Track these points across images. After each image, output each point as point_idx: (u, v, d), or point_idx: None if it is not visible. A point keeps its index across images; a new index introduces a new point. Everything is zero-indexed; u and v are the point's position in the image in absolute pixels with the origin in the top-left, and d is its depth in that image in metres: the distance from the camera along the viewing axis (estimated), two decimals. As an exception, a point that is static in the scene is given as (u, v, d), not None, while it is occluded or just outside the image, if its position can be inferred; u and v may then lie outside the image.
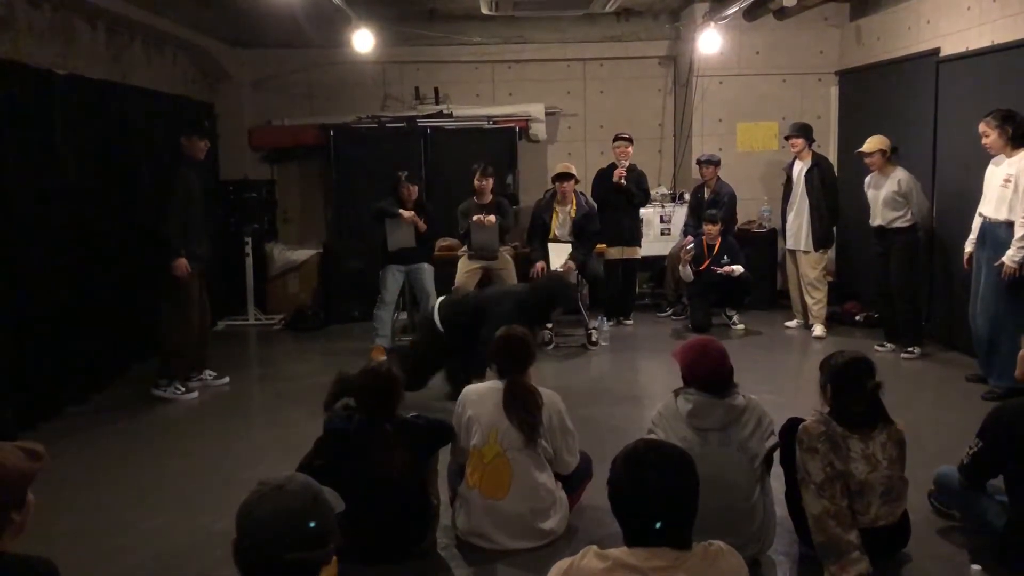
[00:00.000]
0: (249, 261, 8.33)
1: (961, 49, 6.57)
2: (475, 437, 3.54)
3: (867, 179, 6.69)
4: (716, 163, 8.01)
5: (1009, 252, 5.29)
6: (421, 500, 3.43)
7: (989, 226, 5.54)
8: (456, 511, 3.63)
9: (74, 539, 3.73)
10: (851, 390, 3.28)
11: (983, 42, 6.29)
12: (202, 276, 6.11)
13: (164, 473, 4.63)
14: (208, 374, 6.31)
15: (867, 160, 6.56)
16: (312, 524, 1.68)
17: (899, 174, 6.45)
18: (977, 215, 5.72)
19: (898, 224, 6.47)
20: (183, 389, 5.98)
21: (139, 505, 4.17)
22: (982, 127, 5.49)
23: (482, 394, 3.64)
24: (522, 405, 3.54)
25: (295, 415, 5.38)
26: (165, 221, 5.77)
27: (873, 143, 6.54)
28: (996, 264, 5.38)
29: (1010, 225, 5.32)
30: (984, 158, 5.70)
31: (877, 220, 6.61)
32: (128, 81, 6.86)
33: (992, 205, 5.50)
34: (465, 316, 5.67)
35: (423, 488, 3.44)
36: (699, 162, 8.10)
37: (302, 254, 8.76)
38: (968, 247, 5.82)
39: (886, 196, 6.47)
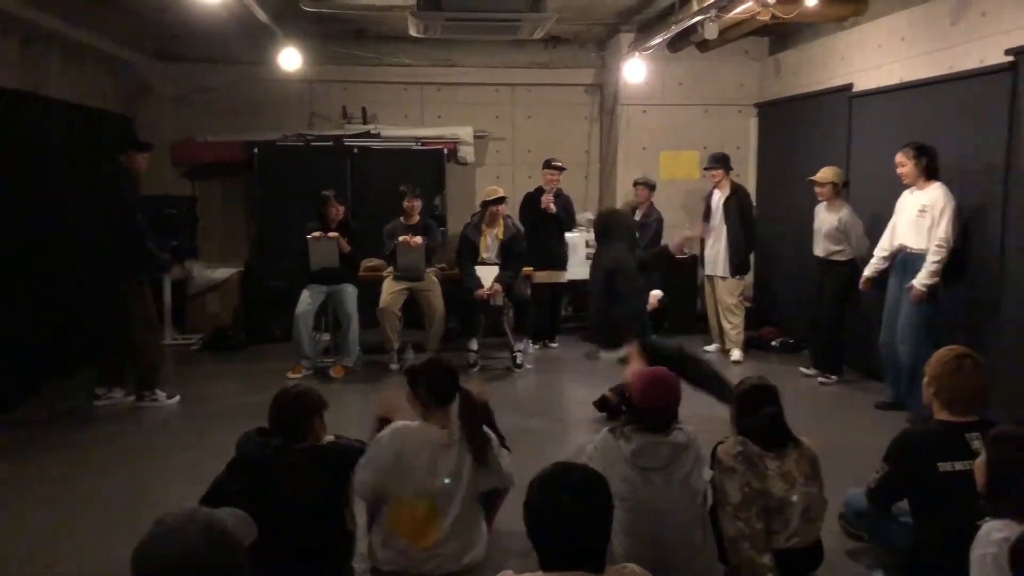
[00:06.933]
0: (167, 279, 8.12)
1: (872, 85, 6.85)
2: (405, 488, 3.40)
3: (818, 207, 6.80)
4: (652, 186, 8.11)
5: (920, 275, 5.51)
6: (337, 527, 3.34)
7: (909, 257, 5.72)
8: (375, 541, 3.51)
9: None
10: (750, 414, 3.38)
11: (892, 79, 6.57)
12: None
13: (63, 498, 4.45)
14: (117, 391, 6.21)
15: (818, 190, 6.69)
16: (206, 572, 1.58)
17: (843, 211, 6.58)
18: (881, 242, 5.94)
19: (836, 257, 6.62)
20: (165, 394, 6.17)
21: (34, 533, 4.01)
22: (899, 158, 5.71)
23: (421, 444, 3.44)
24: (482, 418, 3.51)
25: (211, 438, 5.22)
26: (138, 237, 5.88)
27: (827, 174, 6.64)
28: (907, 287, 5.59)
29: None
30: (893, 188, 5.94)
31: (818, 250, 6.77)
32: (42, 92, 6.65)
33: (911, 236, 5.69)
34: None
35: (339, 514, 3.36)
36: (635, 183, 8.19)
37: (223, 272, 8.59)
38: (867, 271, 6.05)
39: (828, 229, 6.61)
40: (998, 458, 2.62)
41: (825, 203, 6.72)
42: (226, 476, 3.26)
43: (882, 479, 3.41)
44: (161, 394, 6.18)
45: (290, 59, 7.67)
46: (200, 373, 7.40)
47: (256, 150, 8.55)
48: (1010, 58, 5.22)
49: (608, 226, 5.91)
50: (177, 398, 6.23)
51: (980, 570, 2.47)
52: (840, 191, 6.71)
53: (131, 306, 5.93)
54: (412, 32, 6.73)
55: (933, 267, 5.48)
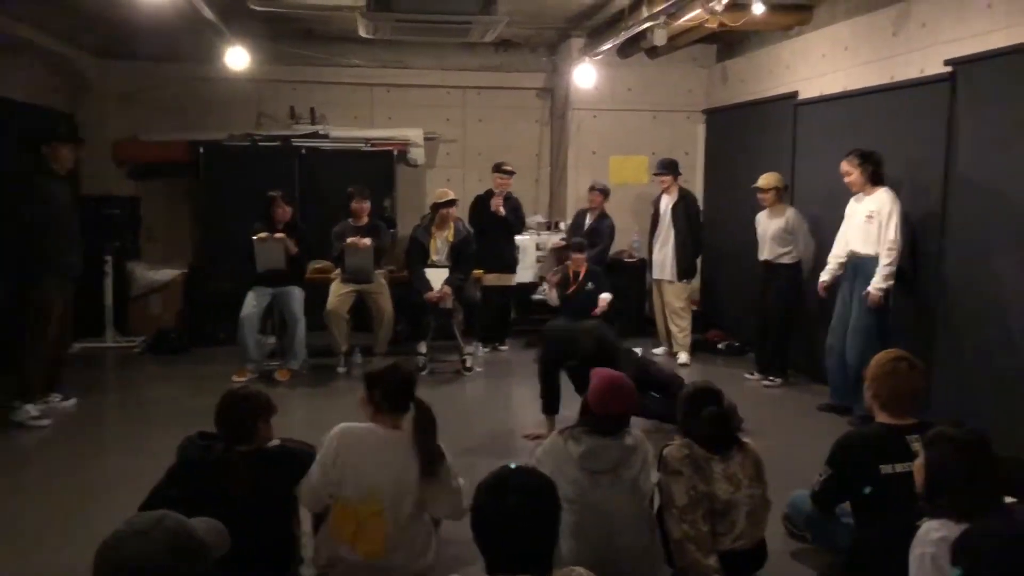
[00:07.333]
0: (109, 280, 7.95)
1: (816, 93, 6.98)
2: (348, 489, 3.26)
3: (759, 215, 6.91)
4: (606, 192, 8.16)
5: (875, 280, 5.61)
6: (282, 531, 3.27)
7: (860, 262, 5.82)
8: (320, 547, 3.39)
9: None
10: (695, 417, 3.41)
11: (836, 88, 6.70)
12: (67, 291, 5.88)
13: (1, 502, 4.31)
14: (54, 396, 5.95)
15: (760, 196, 6.79)
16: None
17: (788, 213, 6.70)
18: (835, 248, 6.04)
19: (783, 260, 6.73)
20: (37, 414, 5.65)
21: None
22: (844, 166, 5.82)
23: (365, 442, 3.31)
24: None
25: (152, 442, 5.10)
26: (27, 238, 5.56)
27: (769, 180, 6.76)
28: (863, 294, 5.69)
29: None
30: (836, 194, 6.05)
31: (764, 255, 6.86)
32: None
33: (860, 241, 5.80)
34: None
35: (285, 519, 3.29)
36: (591, 188, 8.21)
37: (166, 274, 8.42)
38: (824, 276, 6.13)
39: (774, 232, 6.72)
40: (935, 459, 2.67)
41: (767, 209, 6.83)
42: (166, 481, 3.17)
43: (825, 482, 3.47)
44: (30, 410, 5.65)
45: (237, 58, 7.54)
46: (142, 376, 7.26)
47: (202, 150, 8.40)
48: (949, 68, 5.36)
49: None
50: (47, 421, 5.65)
51: (919, 569, 2.52)
52: (783, 195, 6.82)
53: (26, 310, 5.65)
54: (362, 33, 6.68)
55: (886, 270, 5.59)
